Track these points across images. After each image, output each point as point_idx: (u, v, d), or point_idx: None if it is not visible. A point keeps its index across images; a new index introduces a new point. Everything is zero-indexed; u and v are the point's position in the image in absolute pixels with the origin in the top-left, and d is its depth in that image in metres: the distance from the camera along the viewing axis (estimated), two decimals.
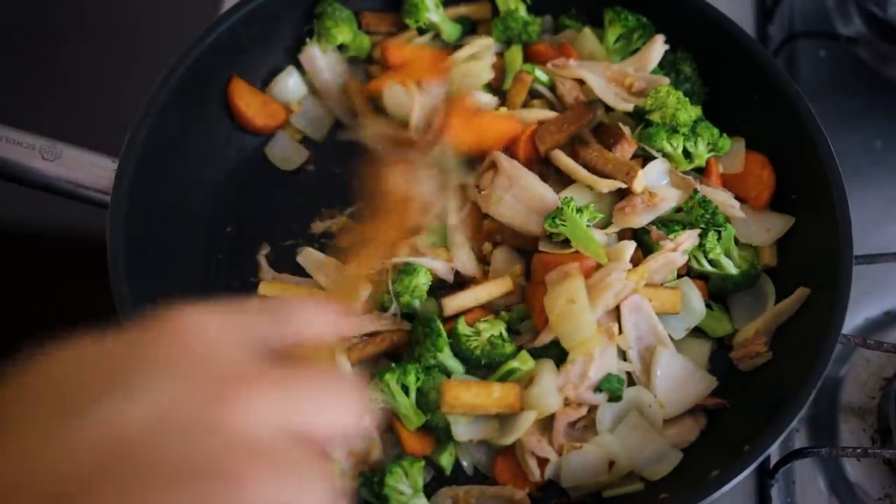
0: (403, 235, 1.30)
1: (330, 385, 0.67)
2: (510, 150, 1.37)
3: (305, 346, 0.72)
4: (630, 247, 1.27)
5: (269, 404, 0.62)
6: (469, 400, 1.22)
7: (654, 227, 1.29)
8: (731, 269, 1.31)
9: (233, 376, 0.63)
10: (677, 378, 1.27)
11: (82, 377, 0.62)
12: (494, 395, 1.22)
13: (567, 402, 1.24)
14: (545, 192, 1.30)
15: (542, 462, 1.22)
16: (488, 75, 1.41)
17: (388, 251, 1.27)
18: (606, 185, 1.29)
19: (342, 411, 0.67)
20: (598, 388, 1.23)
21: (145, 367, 0.62)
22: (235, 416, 0.61)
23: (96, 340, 0.64)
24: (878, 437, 1.37)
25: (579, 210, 1.26)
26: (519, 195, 1.30)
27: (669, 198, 1.30)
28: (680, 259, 1.29)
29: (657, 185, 1.32)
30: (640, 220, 1.29)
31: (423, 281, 1.29)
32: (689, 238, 1.28)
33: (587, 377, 1.22)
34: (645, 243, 1.31)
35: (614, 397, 1.24)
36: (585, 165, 1.33)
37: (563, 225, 1.25)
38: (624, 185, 1.29)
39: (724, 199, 1.32)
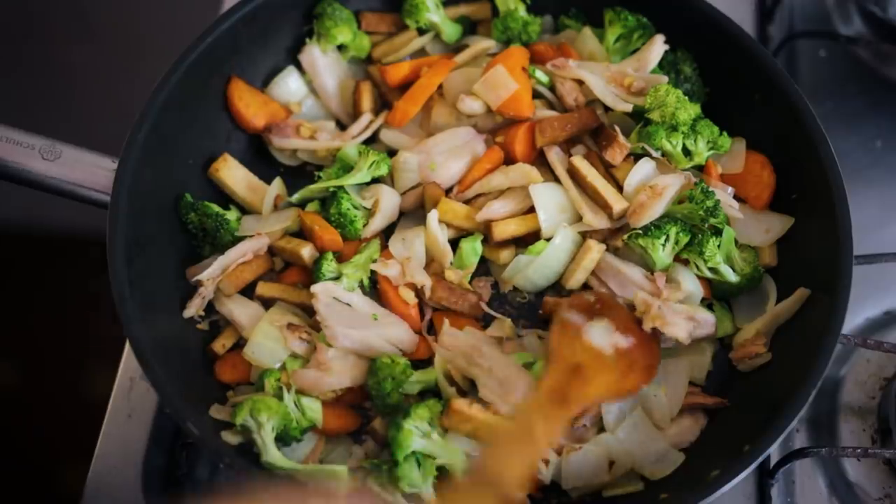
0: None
1: None
2: (507, 144, 1.37)
3: None
4: None
5: None
6: None
7: None
8: (730, 276, 1.31)
9: None
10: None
11: None
12: None
13: None
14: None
15: (545, 463, 1.22)
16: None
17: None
18: (618, 204, 1.31)
19: None
20: None
21: None
22: None
23: None
24: (878, 437, 1.37)
25: None
26: None
27: (670, 183, 1.30)
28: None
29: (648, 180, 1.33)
30: (655, 212, 1.30)
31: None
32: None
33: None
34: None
35: None
36: (575, 177, 1.35)
37: None
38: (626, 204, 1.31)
39: (722, 198, 1.32)
